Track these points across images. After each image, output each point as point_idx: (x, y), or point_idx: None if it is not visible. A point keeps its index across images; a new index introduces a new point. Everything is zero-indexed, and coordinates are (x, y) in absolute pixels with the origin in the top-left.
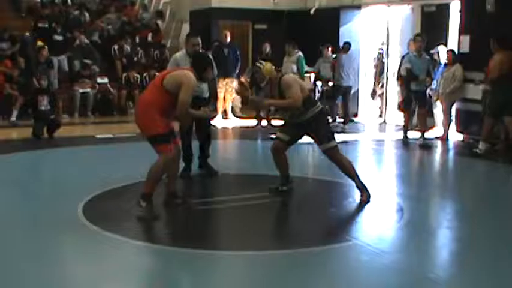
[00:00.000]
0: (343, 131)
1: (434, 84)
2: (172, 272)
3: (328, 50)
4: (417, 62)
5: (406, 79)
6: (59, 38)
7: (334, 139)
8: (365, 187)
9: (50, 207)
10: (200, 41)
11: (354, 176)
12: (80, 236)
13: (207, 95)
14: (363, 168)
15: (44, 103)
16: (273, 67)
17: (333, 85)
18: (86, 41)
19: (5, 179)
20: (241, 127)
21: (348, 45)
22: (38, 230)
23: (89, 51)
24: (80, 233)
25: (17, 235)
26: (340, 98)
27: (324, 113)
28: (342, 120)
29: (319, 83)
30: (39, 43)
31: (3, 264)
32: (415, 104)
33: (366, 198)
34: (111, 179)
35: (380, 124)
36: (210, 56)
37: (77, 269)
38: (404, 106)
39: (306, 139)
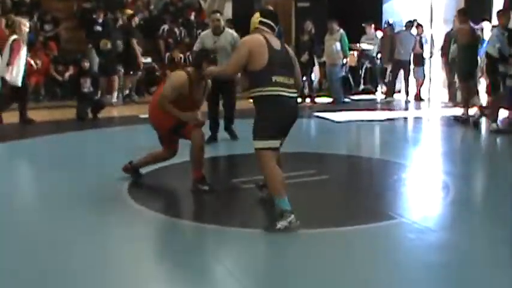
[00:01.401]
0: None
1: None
2: (216, 250)
3: (371, 27)
4: (503, 40)
5: (494, 60)
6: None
7: (263, 139)
8: (284, 212)
9: (95, 186)
10: (221, 17)
11: (272, 194)
12: (124, 214)
13: None
14: (409, 145)
15: (87, 85)
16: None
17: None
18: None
19: (51, 159)
20: None
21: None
22: (84, 208)
23: (131, 32)
24: (125, 211)
25: (63, 213)
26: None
27: (273, 104)
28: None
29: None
30: (128, 11)
31: (49, 241)
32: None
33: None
34: None
35: (419, 101)
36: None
37: (121, 247)
38: (493, 91)
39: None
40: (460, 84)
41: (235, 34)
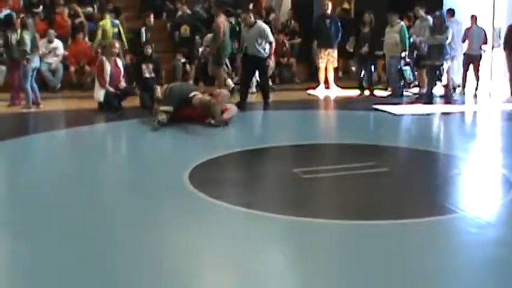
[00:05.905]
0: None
1: None
2: (275, 239)
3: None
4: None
5: None
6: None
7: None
8: None
9: (157, 174)
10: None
11: None
12: (186, 202)
13: None
14: (469, 139)
15: (149, 70)
16: None
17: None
18: (189, 11)
19: (112, 147)
20: (343, 97)
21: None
22: (146, 196)
23: (191, 22)
24: (186, 199)
25: (126, 200)
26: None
27: None
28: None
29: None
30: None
31: (113, 229)
32: None
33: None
34: (214, 148)
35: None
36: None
37: (182, 234)
38: None
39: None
40: None
41: (265, 26)
